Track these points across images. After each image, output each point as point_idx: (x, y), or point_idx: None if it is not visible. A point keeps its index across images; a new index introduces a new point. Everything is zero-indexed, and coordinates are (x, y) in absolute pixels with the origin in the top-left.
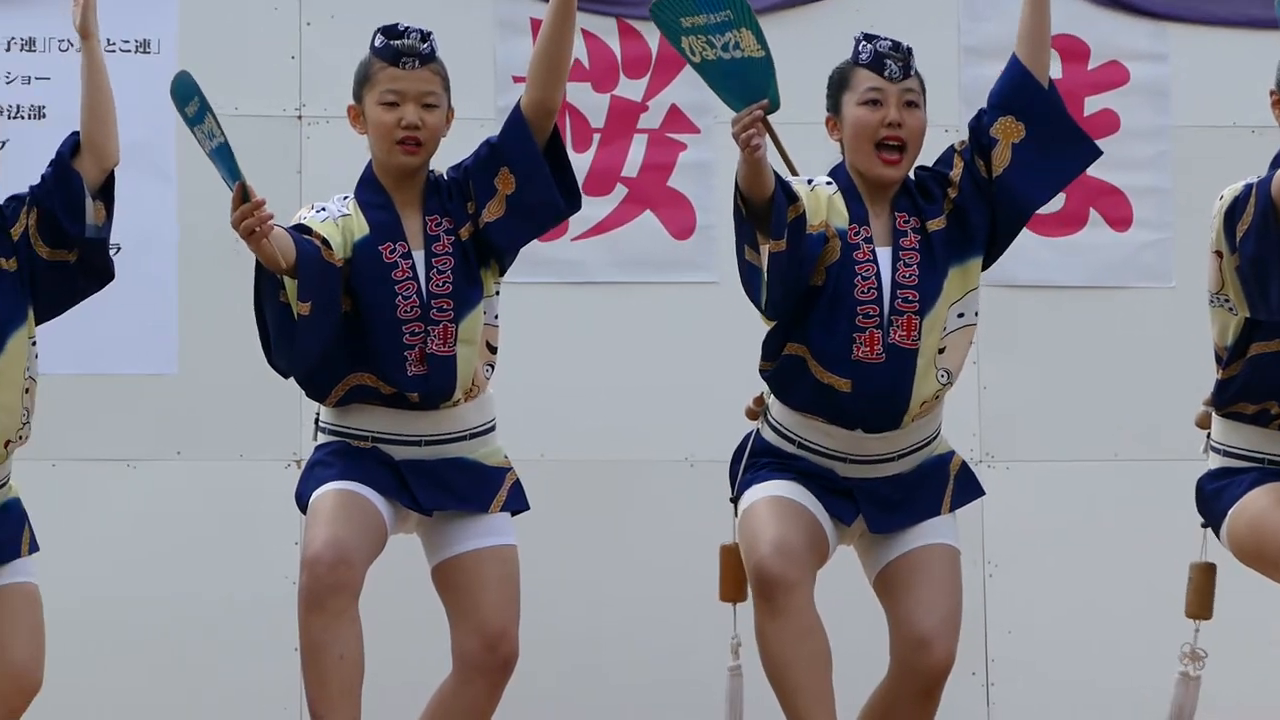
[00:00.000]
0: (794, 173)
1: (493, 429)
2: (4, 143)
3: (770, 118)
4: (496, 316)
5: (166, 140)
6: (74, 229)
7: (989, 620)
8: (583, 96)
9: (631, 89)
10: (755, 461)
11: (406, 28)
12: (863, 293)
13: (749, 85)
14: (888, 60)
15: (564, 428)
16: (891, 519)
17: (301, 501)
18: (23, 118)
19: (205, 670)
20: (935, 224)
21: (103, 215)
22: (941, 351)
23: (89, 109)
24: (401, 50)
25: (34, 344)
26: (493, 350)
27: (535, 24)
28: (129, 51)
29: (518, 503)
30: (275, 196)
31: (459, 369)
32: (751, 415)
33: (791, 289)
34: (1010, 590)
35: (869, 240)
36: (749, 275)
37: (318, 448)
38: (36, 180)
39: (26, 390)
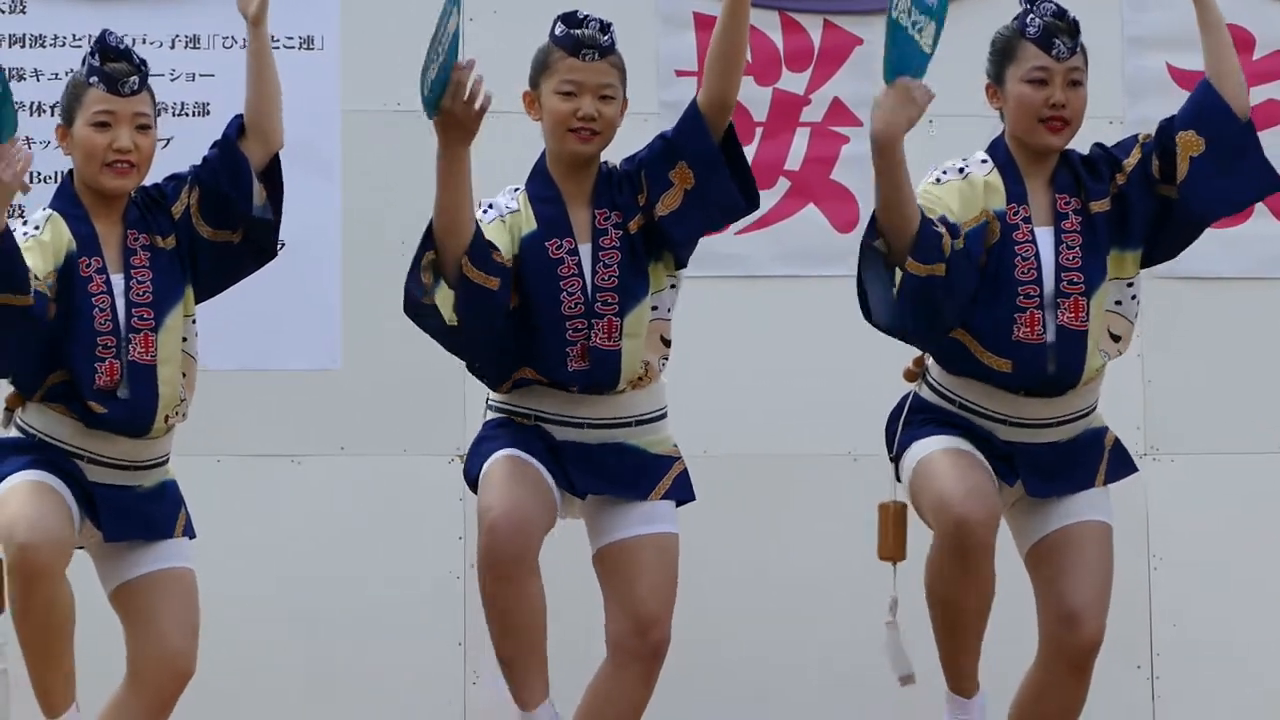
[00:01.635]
0: None
1: (663, 417)
2: (169, 139)
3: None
4: (670, 310)
5: (331, 137)
6: (243, 207)
7: (1154, 613)
8: (745, 89)
9: (794, 82)
10: (916, 418)
11: (587, 16)
12: (1023, 273)
13: (904, 66)
14: (1056, 39)
15: (728, 422)
16: (1050, 485)
17: (470, 477)
18: (187, 114)
19: (369, 664)
20: (1099, 205)
21: (263, 196)
22: (1107, 332)
23: (257, 92)
24: (582, 40)
25: (193, 322)
26: (666, 344)
27: (698, 18)
28: (292, 48)
29: (682, 492)
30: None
31: (624, 362)
32: (910, 376)
33: (943, 310)
34: (1175, 583)
35: (1028, 220)
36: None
37: (485, 424)
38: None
39: (184, 373)
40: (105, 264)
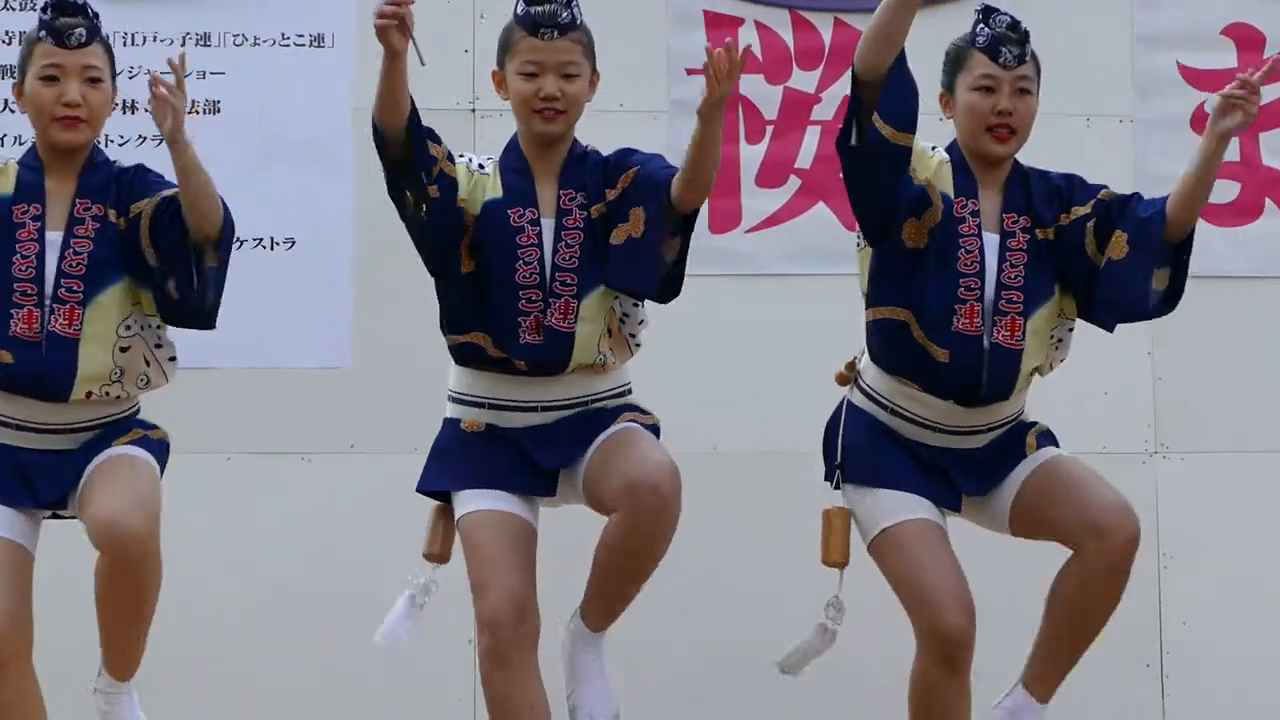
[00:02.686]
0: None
1: (625, 393)
2: None
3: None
4: (635, 305)
5: (342, 135)
6: (180, 293)
7: (1164, 613)
8: (756, 88)
9: (804, 81)
10: (858, 438)
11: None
12: (965, 265)
13: None
14: (1003, 47)
15: (737, 419)
16: (989, 480)
17: (426, 490)
18: (198, 112)
19: (378, 659)
20: (1044, 233)
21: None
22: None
23: (187, 207)
24: (540, 19)
25: (136, 305)
26: (610, 333)
27: (708, 16)
28: (303, 46)
29: (652, 429)
30: None
31: (577, 345)
32: (843, 380)
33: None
34: (1185, 582)
35: (975, 214)
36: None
37: (442, 426)
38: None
39: (124, 349)
40: (44, 216)
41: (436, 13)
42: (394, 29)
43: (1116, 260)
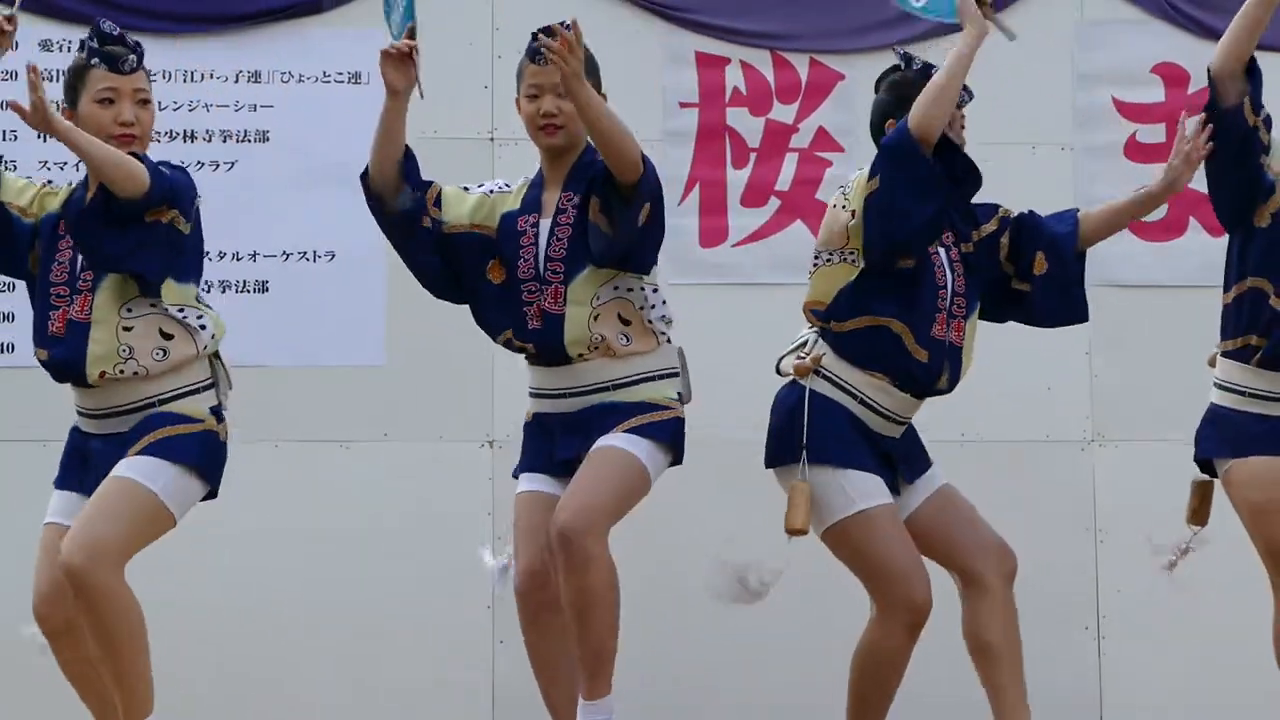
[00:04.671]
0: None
1: (650, 379)
2: (234, 163)
3: None
4: (633, 294)
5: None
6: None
7: (1100, 582)
8: (740, 120)
9: (784, 113)
10: (826, 422)
11: (547, 27)
12: (938, 279)
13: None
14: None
15: (725, 415)
16: (914, 469)
17: (516, 475)
18: (249, 141)
19: (409, 624)
20: (966, 247)
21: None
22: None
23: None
24: (537, 49)
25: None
26: (625, 322)
27: (699, 56)
28: (343, 83)
29: (655, 432)
30: None
31: (567, 326)
32: (804, 371)
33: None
34: (1118, 555)
35: None
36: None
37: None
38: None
39: (127, 328)
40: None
41: (459, 53)
42: (392, 62)
43: (1041, 275)
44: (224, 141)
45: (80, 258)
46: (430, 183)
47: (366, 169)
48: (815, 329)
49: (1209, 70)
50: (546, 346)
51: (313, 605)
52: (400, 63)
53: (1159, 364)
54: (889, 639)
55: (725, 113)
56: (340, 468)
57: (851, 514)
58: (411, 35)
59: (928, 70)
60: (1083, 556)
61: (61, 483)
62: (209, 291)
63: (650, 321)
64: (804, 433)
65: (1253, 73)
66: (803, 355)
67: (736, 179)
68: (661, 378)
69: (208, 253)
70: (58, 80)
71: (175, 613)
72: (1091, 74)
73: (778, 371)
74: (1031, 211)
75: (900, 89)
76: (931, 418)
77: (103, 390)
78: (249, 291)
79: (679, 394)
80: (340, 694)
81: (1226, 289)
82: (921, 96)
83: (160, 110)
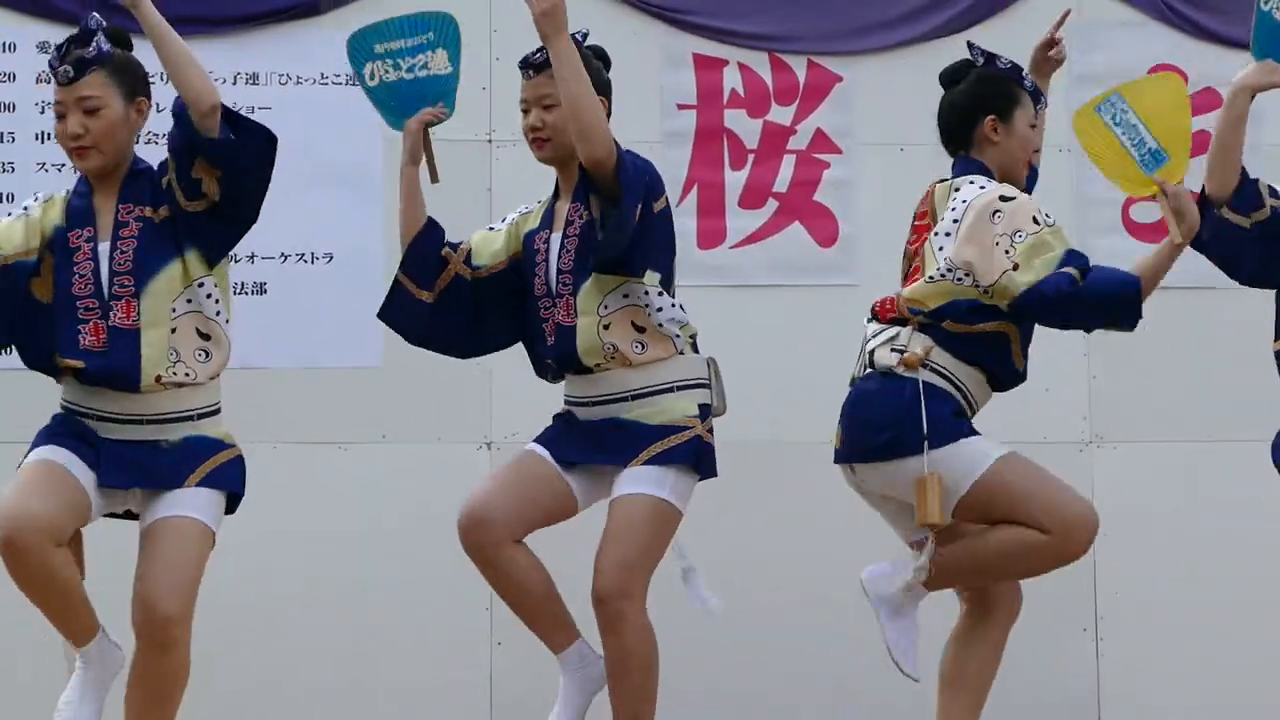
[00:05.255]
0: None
1: (668, 390)
2: None
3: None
4: (646, 300)
5: (374, 163)
6: (196, 140)
7: (1099, 583)
8: (739, 121)
9: (782, 115)
10: (945, 407)
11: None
12: None
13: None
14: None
15: (728, 414)
16: None
17: None
18: None
19: (408, 624)
20: None
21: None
22: None
23: (167, 68)
24: (522, 62)
25: (198, 285)
26: (639, 329)
27: (697, 58)
28: (340, 84)
29: (678, 458)
30: (467, 210)
31: (578, 338)
32: (914, 364)
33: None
34: (1117, 556)
35: None
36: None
37: None
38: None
39: (173, 330)
40: (96, 234)
41: None
42: (412, 133)
43: None
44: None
45: (110, 264)
46: (458, 244)
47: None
48: (910, 323)
49: (1208, 197)
50: (563, 359)
51: (311, 606)
52: (423, 130)
53: (1157, 365)
54: (1069, 551)
55: (723, 114)
56: (338, 469)
57: (991, 464)
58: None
59: (1018, 68)
60: (1082, 559)
61: (59, 441)
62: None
63: (660, 326)
64: (923, 423)
65: (1243, 182)
66: (899, 348)
67: (734, 180)
68: (683, 389)
69: None
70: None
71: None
72: (1089, 75)
73: (870, 364)
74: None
75: (993, 84)
76: None
77: (144, 397)
78: (247, 293)
79: (702, 406)
80: (338, 695)
81: None
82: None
83: (159, 112)
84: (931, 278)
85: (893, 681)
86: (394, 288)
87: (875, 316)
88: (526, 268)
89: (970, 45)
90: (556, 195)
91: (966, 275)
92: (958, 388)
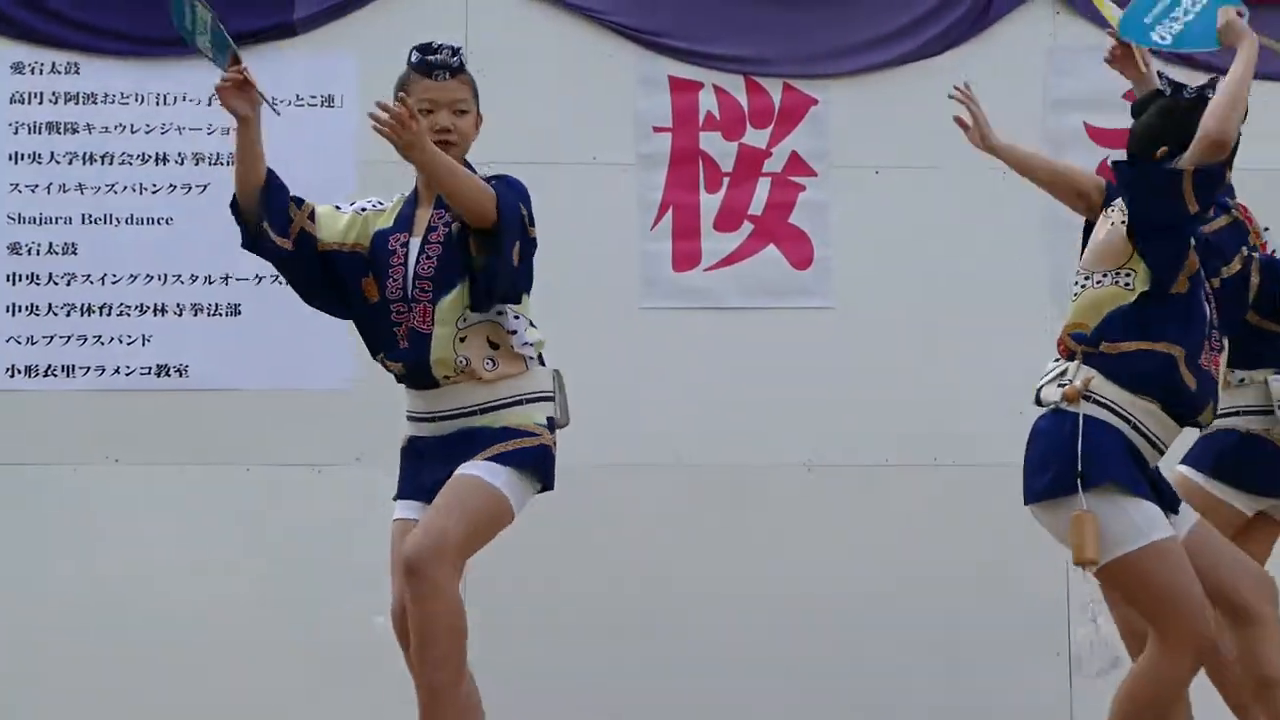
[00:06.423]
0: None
1: (517, 403)
2: (206, 185)
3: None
4: (516, 317)
5: (348, 182)
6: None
7: (1071, 609)
8: (714, 144)
9: (757, 137)
10: (1110, 447)
11: (441, 45)
12: (1205, 310)
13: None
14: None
15: (697, 435)
16: (1172, 501)
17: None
18: (221, 164)
19: (378, 641)
20: (1214, 282)
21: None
22: None
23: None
24: (434, 64)
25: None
26: (494, 346)
27: (672, 80)
28: (315, 106)
29: (517, 459)
30: None
31: (433, 346)
32: (1075, 396)
33: None
34: (1091, 582)
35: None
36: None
37: None
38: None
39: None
40: (410, 238)
41: None
42: (229, 93)
43: None
44: (196, 164)
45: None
46: (303, 201)
47: (234, 198)
48: (1077, 355)
49: (1212, 138)
50: (414, 367)
51: (283, 629)
52: (239, 90)
53: None
54: (1176, 671)
55: (698, 137)
56: (312, 492)
57: (1143, 545)
58: (236, 60)
59: (1204, 96)
60: (1055, 584)
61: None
62: (180, 315)
63: (515, 347)
64: (1078, 460)
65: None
66: (1064, 383)
67: (709, 203)
68: (530, 401)
69: (179, 276)
70: (41, 102)
71: (151, 637)
72: (1063, 99)
73: (1037, 402)
74: (1274, 253)
75: (1174, 114)
76: (903, 442)
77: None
78: (221, 314)
79: (549, 419)
80: (305, 718)
81: None
82: (1220, 110)
83: (132, 133)
84: (1075, 295)
85: None
86: (254, 232)
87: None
88: (378, 269)
89: (1160, 75)
90: (416, 200)
91: (1103, 274)
92: (1127, 419)
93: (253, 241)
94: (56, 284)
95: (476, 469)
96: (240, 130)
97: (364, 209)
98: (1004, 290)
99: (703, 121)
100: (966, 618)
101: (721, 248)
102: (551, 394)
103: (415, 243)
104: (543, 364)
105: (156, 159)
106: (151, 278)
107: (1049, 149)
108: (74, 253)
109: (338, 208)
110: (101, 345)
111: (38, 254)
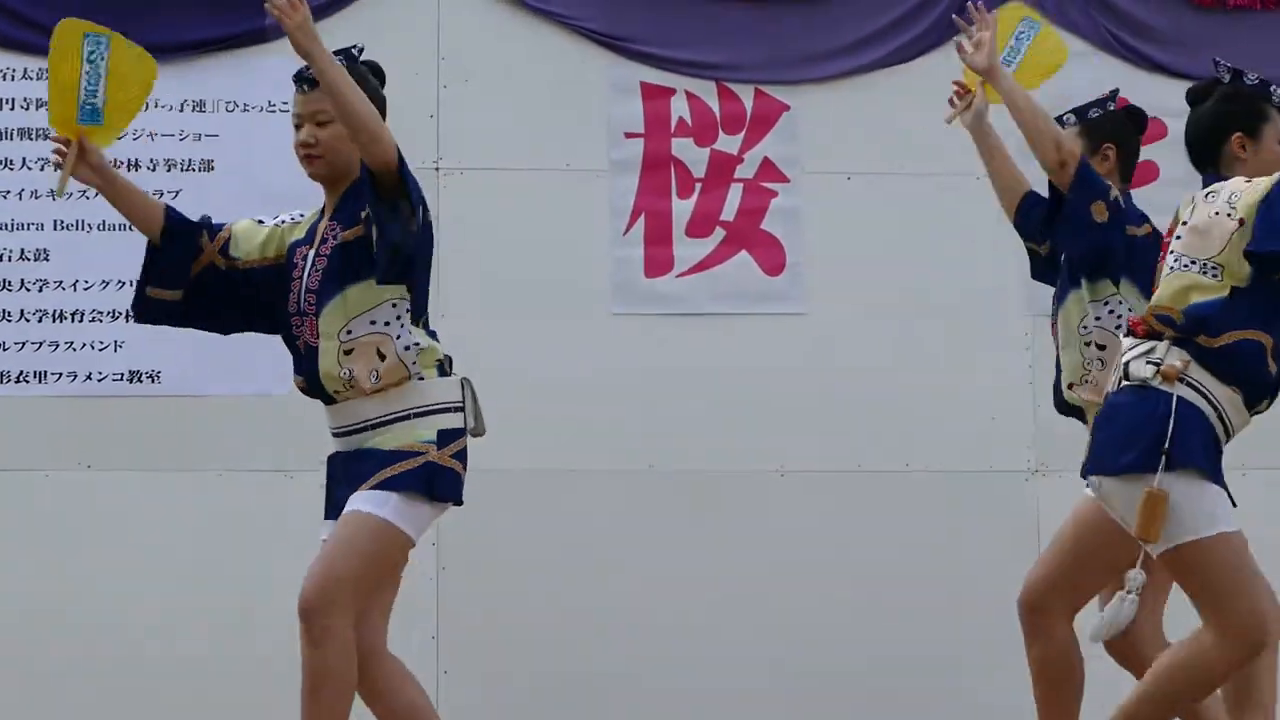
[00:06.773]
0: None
1: (405, 418)
2: (178, 192)
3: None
4: (389, 325)
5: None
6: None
7: None
8: (686, 150)
9: (729, 143)
10: (1197, 436)
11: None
12: None
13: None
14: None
15: (670, 441)
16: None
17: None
18: (194, 170)
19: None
20: None
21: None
22: None
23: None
24: (300, 76)
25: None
26: (381, 357)
27: (644, 86)
28: (288, 111)
29: (404, 483)
30: None
31: (320, 360)
32: (1172, 377)
33: None
34: None
35: None
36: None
37: None
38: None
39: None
40: (310, 250)
41: (406, 83)
42: (75, 168)
43: None
44: (169, 170)
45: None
46: (219, 228)
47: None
48: (1165, 336)
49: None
50: (309, 380)
51: (256, 636)
52: (79, 162)
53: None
54: (1225, 663)
55: (670, 143)
56: (284, 497)
57: (1214, 534)
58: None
59: (1266, 84)
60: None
61: None
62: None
63: (399, 354)
64: (1166, 438)
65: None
66: (1155, 360)
67: (682, 209)
68: (418, 416)
69: None
70: (13, 108)
71: (124, 643)
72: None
73: (1125, 376)
74: None
75: (1240, 101)
76: (875, 448)
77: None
78: None
79: (442, 432)
80: None
81: None
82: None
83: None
84: (1166, 272)
85: None
86: (142, 296)
87: (1131, 332)
88: (285, 279)
89: (1216, 62)
90: (322, 213)
91: (1192, 261)
92: (1215, 408)
93: (139, 315)
94: (28, 290)
95: (363, 502)
96: (104, 193)
97: (284, 221)
98: (976, 296)
99: (675, 127)
100: (939, 622)
101: (694, 254)
102: (451, 405)
103: (310, 254)
104: (446, 373)
105: (130, 165)
106: (123, 284)
107: (1021, 155)
108: (46, 259)
109: (260, 221)
110: (74, 352)
111: (9, 260)
